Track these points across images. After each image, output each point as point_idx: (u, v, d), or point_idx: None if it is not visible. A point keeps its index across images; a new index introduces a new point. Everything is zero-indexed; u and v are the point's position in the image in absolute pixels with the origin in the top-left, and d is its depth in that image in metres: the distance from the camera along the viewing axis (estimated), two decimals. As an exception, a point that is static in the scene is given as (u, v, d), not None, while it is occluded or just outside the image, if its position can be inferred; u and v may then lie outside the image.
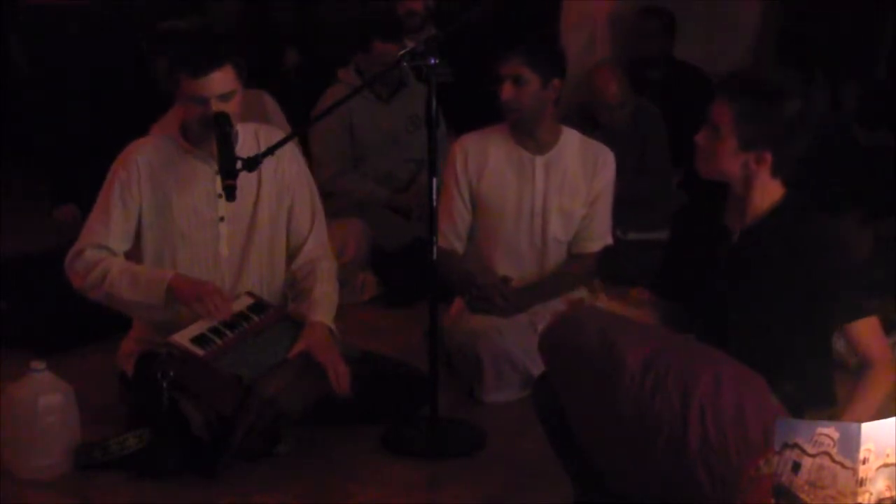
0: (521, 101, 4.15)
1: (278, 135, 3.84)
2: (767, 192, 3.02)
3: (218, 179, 3.70)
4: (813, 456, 2.38)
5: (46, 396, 3.57)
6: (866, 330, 2.99)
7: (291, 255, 3.90)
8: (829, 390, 3.07)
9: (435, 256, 3.82)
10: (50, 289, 4.38)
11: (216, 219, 3.78)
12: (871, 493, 2.38)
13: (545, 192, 4.26)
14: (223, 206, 3.75)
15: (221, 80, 3.61)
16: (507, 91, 4.15)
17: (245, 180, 3.60)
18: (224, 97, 3.62)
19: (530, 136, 4.25)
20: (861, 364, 3.02)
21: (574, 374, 2.90)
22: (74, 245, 3.73)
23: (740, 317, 3.03)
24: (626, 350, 2.77)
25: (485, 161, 4.28)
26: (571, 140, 4.31)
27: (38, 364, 3.59)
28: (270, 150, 3.66)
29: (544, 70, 4.15)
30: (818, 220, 3.02)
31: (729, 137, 2.94)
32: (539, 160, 4.27)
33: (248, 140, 3.74)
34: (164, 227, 3.76)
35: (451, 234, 4.32)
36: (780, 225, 3.00)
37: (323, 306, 3.77)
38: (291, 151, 3.87)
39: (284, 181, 3.85)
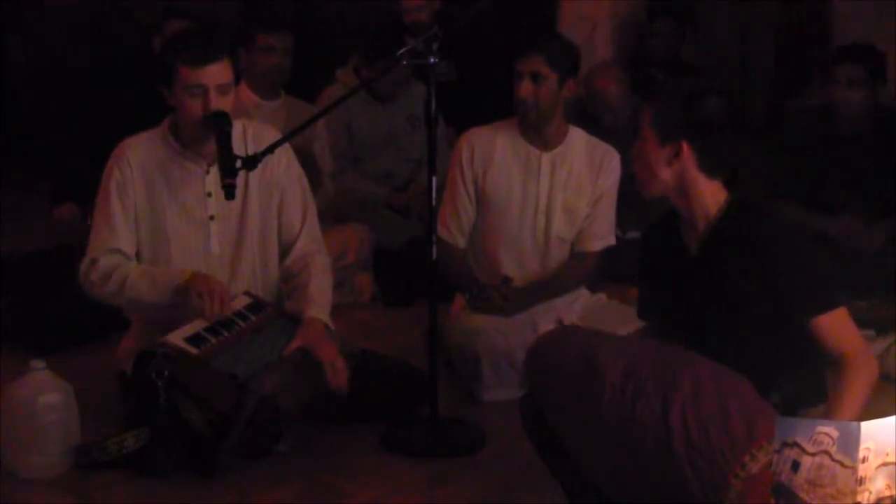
0: (538, 99, 4.13)
1: (268, 131, 3.85)
2: (708, 197, 3.06)
3: (207, 178, 3.74)
4: (812, 455, 2.38)
5: (46, 396, 3.57)
6: (833, 324, 2.95)
7: (284, 251, 3.89)
8: (821, 387, 3.07)
9: (435, 256, 3.81)
10: (50, 288, 4.38)
11: (206, 218, 3.78)
12: (870, 492, 2.38)
13: (550, 189, 4.26)
14: (213, 204, 3.76)
15: (220, 71, 3.64)
16: (525, 89, 4.13)
17: None
18: (222, 89, 3.64)
19: (538, 133, 4.24)
20: (835, 362, 2.96)
21: (558, 390, 2.92)
22: (86, 255, 3.74)
23: (717, 328, 3.04)
24: (605, 362, 2.80)
25: (491, 156, 4.27)
26: (578, 138, 4.31)
27: (38, 363, 3.59)
28: (270, 149, 3.66)
29: (562, 68, 4.13)
30: (765, 218, 3.05)
31: (649, 136, 3.05)
32: (545, 157, 4.26)
33: (236, 137, 3.73)
34: (157, 226, 3.76)
35: (454, 228, 4.31)
36: (729, 230, 3.04)
37: (319, 302, 3.77)
38: (281, 147, 3.86)
39: (273, 177, 3.85)
